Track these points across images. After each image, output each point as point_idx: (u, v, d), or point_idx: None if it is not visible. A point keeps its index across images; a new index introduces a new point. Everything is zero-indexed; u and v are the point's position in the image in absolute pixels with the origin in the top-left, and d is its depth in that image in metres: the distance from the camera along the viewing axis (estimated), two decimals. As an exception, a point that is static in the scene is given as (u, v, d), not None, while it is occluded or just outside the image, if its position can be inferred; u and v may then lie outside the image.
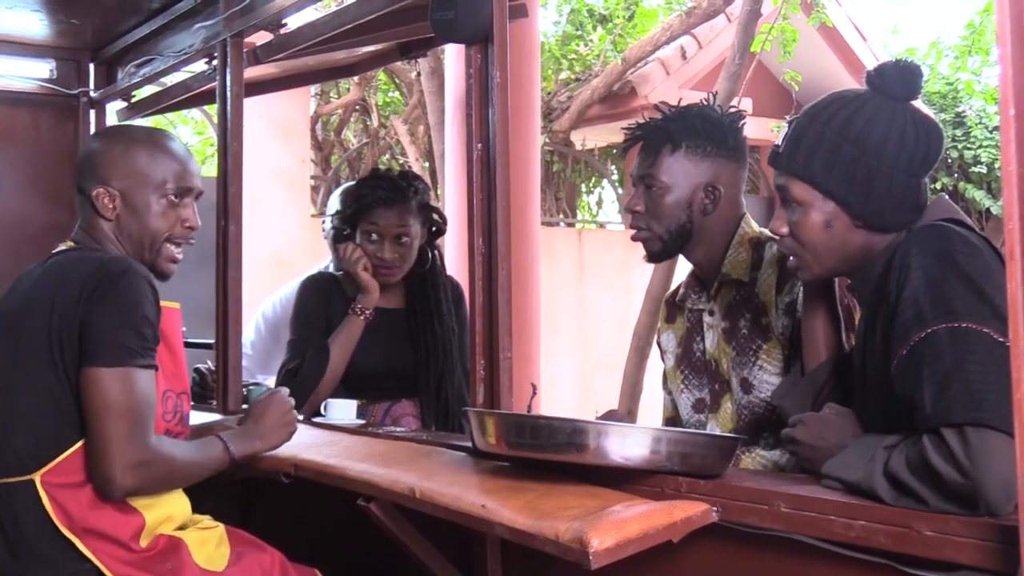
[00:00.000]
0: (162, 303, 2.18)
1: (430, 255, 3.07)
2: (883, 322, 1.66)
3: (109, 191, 2.19)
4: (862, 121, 1.76)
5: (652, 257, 2.39)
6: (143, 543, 2.06)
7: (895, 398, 1.57)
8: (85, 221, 2.23)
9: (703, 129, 2.30)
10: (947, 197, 1.83)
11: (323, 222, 3.65)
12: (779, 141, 1.86)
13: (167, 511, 2.11)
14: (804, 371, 2.01)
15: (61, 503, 2.00)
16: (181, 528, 2.16)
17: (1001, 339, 1.45)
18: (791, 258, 1.89)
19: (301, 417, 2.46)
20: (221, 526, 2.23)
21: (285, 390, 2.38)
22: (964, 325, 1.48)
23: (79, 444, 2.01)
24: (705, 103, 2.41)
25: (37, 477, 2.00)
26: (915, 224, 1.73)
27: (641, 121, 2.40)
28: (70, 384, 2.01)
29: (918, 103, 1.84)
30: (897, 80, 1.78)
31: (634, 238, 2.38)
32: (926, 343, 1.50)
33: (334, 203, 3.57)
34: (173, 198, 2.22)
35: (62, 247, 2.24)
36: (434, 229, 3.07)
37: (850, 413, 1.77)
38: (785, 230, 1.85)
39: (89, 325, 1.99)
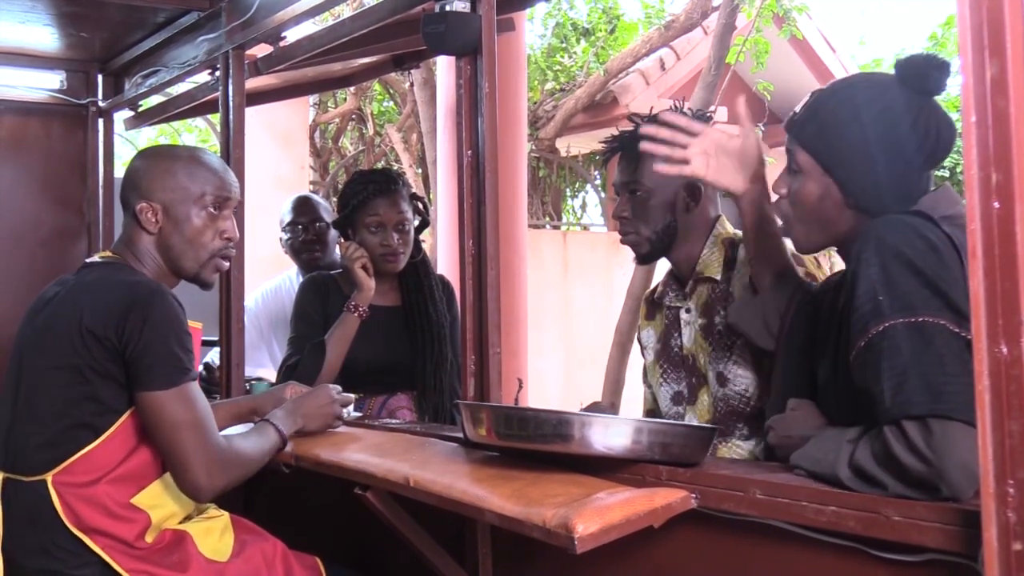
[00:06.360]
0: None
1: (421, 247, 3.09)
2: (844, 304, 1.64)
3: (152, 205, 2.18)
4: (879, 107, 1.69)
5: (642, 259, 2.38)
6: (148, 539, 2.05)
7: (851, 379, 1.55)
8: (126, 235, 2.23)
9: None
10: (951, 188, 1.73)
11: (280, 235, 3.65)
12: (798, 108, 1.82)
13: (171, 508, 2.11)
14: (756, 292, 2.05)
15: (69, 503, 2.00)
16: (187, 519, 2.15)
17: (957, 330, 1.43)
18: (782, 223, 1.87)
19: (347, 414, 2.47)
20: (226, 514, 2.22)
21: (336, 388, 2.43)
22: (921, 319, 1.45)
23: (92, 446, 2.01)
24: (675, 108, 2.40)
25: (49, 477, 2.01)
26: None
27: (617, 133, 2.40)
28: (95, 395, 2.01)
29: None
30: (920, 75, 1.68)
31: (624, 242, 2.38)
32: (884, 336, 1.47)
33: (286, 214, 3.60)
34: (212, 210, 2.21)
35: (97, 258, 2.23)
36: (419, 221, 3.07)
37: (810, 404, 1.75)
38: (784, 191, 1.83)
39: (139, 352, 1.98)
